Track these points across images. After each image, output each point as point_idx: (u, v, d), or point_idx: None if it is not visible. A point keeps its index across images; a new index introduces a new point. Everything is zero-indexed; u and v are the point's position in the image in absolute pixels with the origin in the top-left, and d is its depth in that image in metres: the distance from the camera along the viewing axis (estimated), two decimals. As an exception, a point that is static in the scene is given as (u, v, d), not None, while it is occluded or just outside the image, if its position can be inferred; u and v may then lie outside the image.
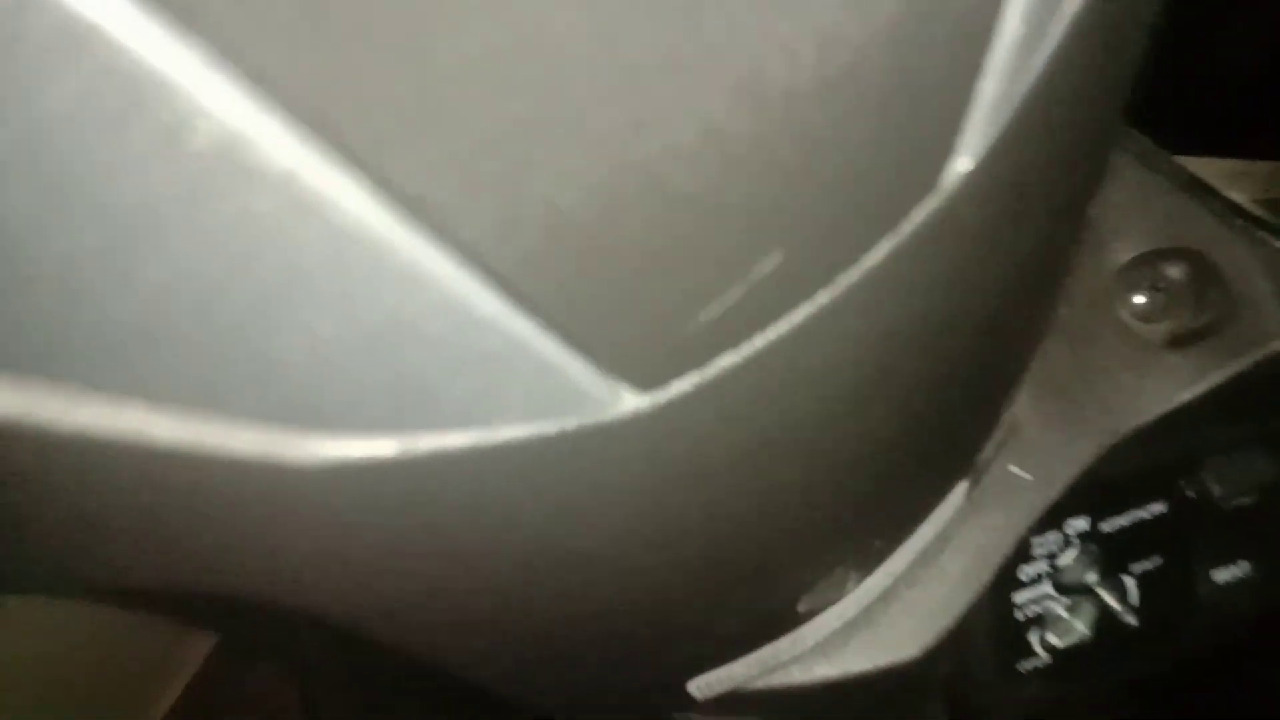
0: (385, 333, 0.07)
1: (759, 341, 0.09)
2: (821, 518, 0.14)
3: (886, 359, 0.12)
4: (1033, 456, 0.22)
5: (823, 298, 0.09)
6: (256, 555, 0.10)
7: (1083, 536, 0.25)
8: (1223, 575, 0.27)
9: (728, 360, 0.09)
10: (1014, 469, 0.23)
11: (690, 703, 0.21)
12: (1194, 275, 0.23)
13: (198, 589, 0.10)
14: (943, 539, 0.22)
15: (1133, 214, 0.24)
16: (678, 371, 0.09)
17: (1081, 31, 0.09)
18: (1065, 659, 0.27)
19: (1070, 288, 0.24)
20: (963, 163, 0.09)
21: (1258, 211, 0.24)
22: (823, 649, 0.22)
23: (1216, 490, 0.25)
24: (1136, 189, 0.24)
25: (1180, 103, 0.28)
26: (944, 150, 0.09)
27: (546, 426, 0.09)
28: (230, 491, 0.08)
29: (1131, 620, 0.27)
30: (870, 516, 0.16)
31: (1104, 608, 0.26)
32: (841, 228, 0.09)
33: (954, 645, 0.24)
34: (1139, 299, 0.24)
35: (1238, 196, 0.24)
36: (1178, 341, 0.23)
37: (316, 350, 0.07)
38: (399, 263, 0.07)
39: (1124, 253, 0.24)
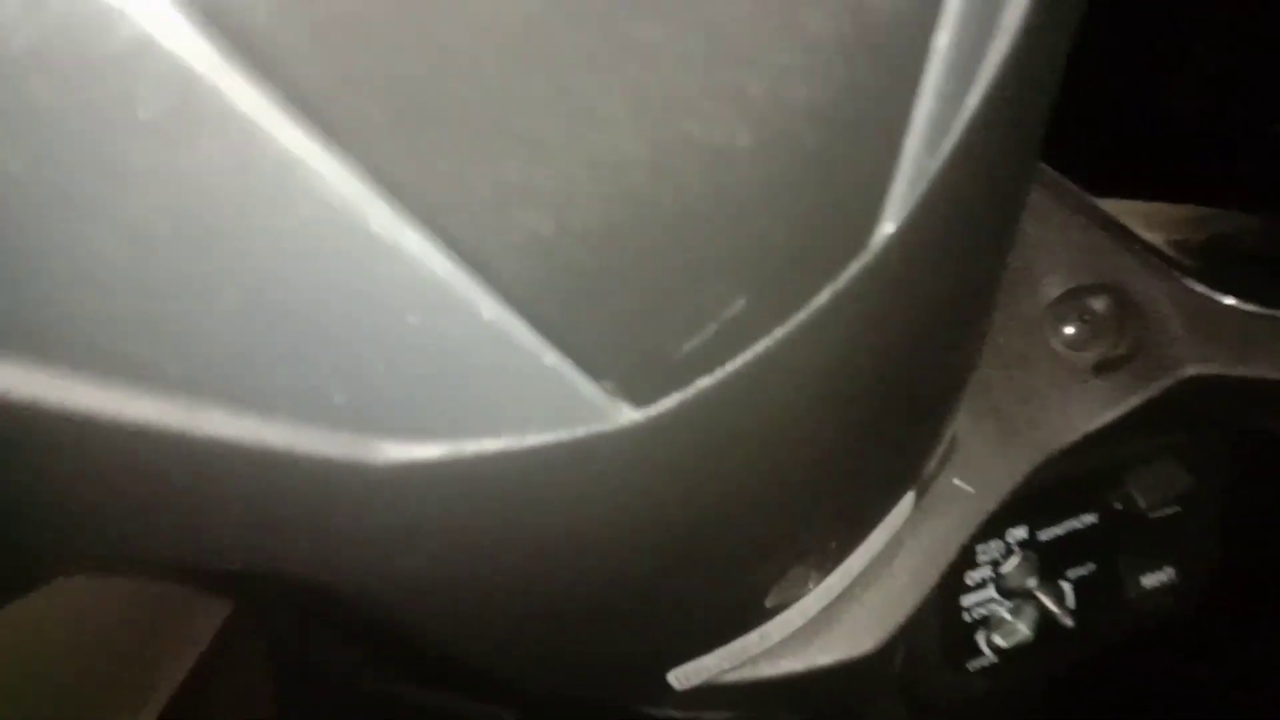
0: (441, 357, 0.09)
1: (729, 368, 0.12)
2: (787, 518, 0.17)
3: (836, 384, 0.14)
4: (973, 470, 0.25)
5: (778, 333, 0.12)
6: (326, 542, 0.12)
7: (1023, 544, 0.28)
8: (1149, 579, 0.30)
9: (704, 382, 0.12)
10: (958, 481, 0.25)
11: (669, 693, 0.23)
12: (1116, 308, 0.26)
13: (272, 572, 0.13)
14: (895, 544, 0.25)
15: (1062, 253, 0.27)
16: (665, 391, 0.12)
17: (991, 106, 0.12)
18: (1009, 658, 0.29)
19: (1006, 320, 0.26)
20: (887, 226, 0.12)
21: (1169, 251, 0.26)
22: (788, 644, 0.24)
23: (1141, 501, 0.28)
24: (1066, 231, 0.27)
25: (1102, 149, 0.31)
26: (873, 215, 0.11)
27: (565, 434, 0.11)
28: (322, 487, 0.11)
29: (1069, 622, 0.29)
30: (829, 520, 0.19)
31: (1044, 610, 0.29)
32: (791, 278, 0.11)
33: (906, 642, 0.26)
34: (1069, 329, 0.27)
35: (1151, 237, 0.27)
36: (1102, 368, 0.26)
37: (390, 371, 0.09)
38: (455, 300, 0.09)
39: (1055, 287, 0.27)
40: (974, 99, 0.12)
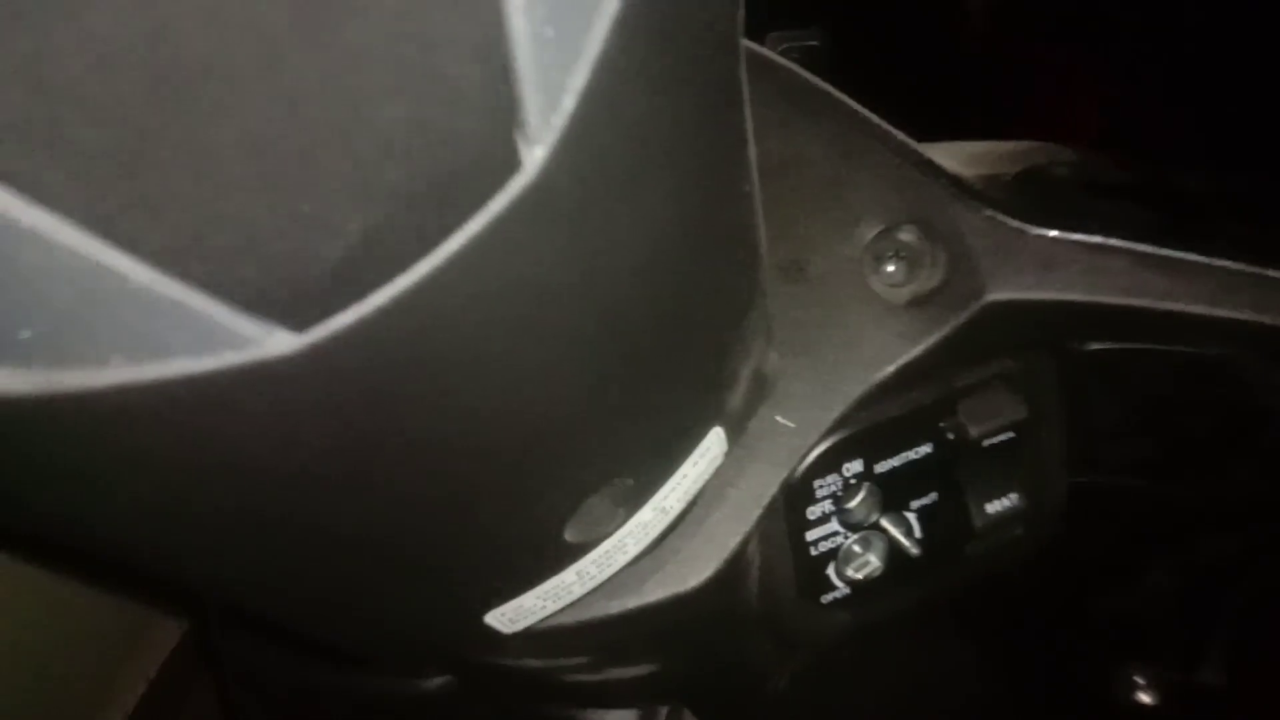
0: (22, 284, 0.10)
1: (388, 293, 0.12)
2: (532, 452, 0.17)
3: (532, 314, 0.15)
4: (793, 406, 0.26)
5: (434, 260, 0.12)
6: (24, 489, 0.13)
7: (860, 477, 0.29)
8: (994, 507, 0.31)
9: (366, 307, 0.12)
10: (779, 418, 0.26)
11: (503, 640, 0.24)
12: (926, 241, 0.27)
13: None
14: (721, 480, 0.26)
15: (877, 192, 0.27)
16: (324, 315, 0.12)
17: (626, 35, 0.13)
18: (862, 589, 0.30)
19: (825, 262, 0.27)
20: (537, 151, 0.12)
21: (978, 185, 0.27)
22: (620, 583, 0.25)
23: (973, 430, 0.29)
24: (879, 170, 0.28)
25: (926, 94, 0.32)
26: (506, 140, 0.12)
27: (203, 364, 0.12)
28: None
29: (916, 551, 0.30)
30: (603, 454, 0.19)
31: (891, 541, 0.30)
32: (420, 204, 0.12)
33: (738, 575, 0.27)
34: (889, 268, 0.28)
35: (968, 173, 0.28)
36: (916, 301, 0.27)
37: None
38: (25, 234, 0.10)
39: (872, 227, 0.27)
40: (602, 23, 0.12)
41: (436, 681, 0.35)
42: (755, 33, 0.42)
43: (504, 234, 0.13)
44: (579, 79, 0.12)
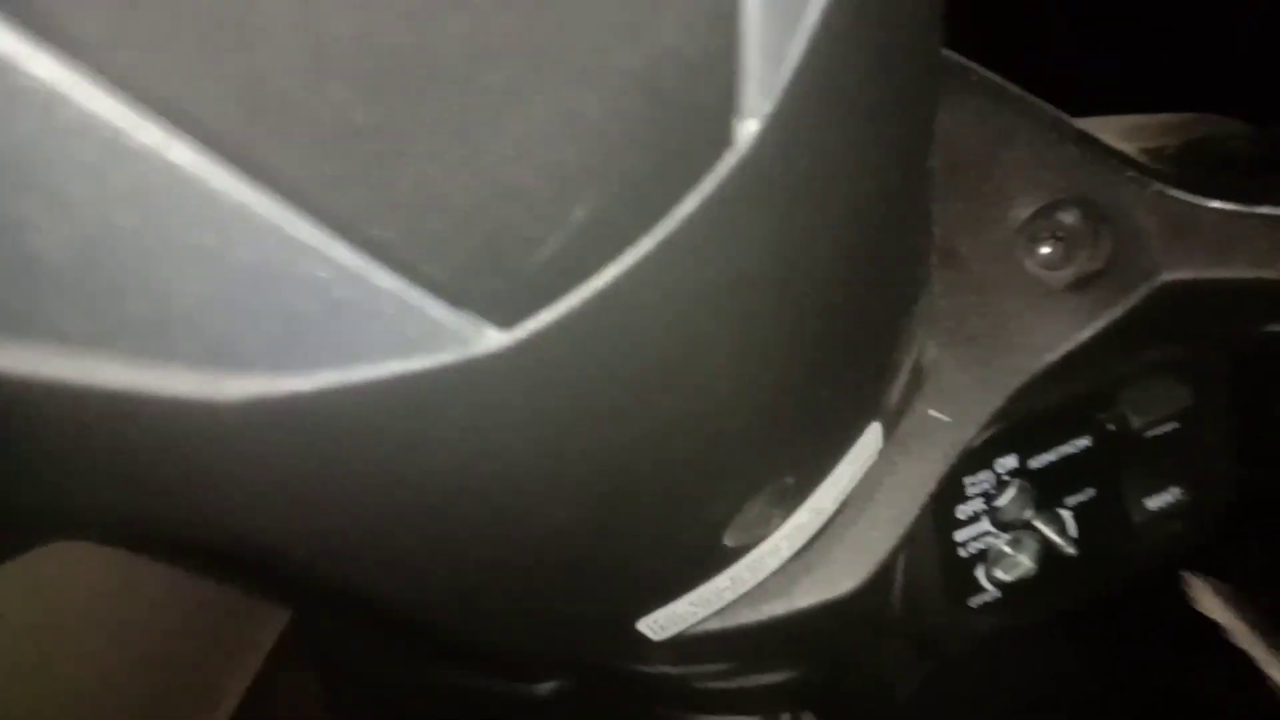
0: (264, 287, 0.09)
1: (597, 282, 0.12)
2: (715, 448, 0.16)
3: (733, 301, 0.14)
4: (948, 400, 0.24)
5: (646, 245, 0.12)
6: (206, 493, 0.12)
7: (1013, 474, 0.27)
8: (1155, 502, 0.29)
9: (574, 298, 0.12)
10: (932, 412, 0.25)
11: (650, 647, 0.23)
12: (1088, 222, 0.25)
13: (165, 530, 0.13)
14: (872, 481, 0.24)
15: (1032, 171, 0.26)
16: (531, 310, 0.11)
17: (839, 8, 0.11)
18: (1012, 592, 0.29)
19: (978, 245, 0.26)
20: (750, 125, 0.11)
21: (1142, 159, 0.25)
22: (767, 588, 0.24)
23: (1135, 421, 0.27)
24: (1034, 148, 0.26)
25: (1080, 67, 0.30)
26: (724, 116, 0.11)
27: (419, 363, 0.11)
28: (173, 429, 0.11)
29: (1072, 551, 0.28)
30: (772, 452, 0.18)
31: (1045, 541, 0.28)
32: (642, 185, 0.11)
33: (905, 582, 0.26)
34: (1044, 249, 0.26)
35: (1128, 147, 0.26)
36: (1078, 285, 0.25)
37: (214, 301, 0.09)
38: (268, 228, 0.09)
39: (1026, 207, 0.26)
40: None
41: (548, 686, 0.35)
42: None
43: (713, 212, 0.12)
44: (795, 52, 0.11)
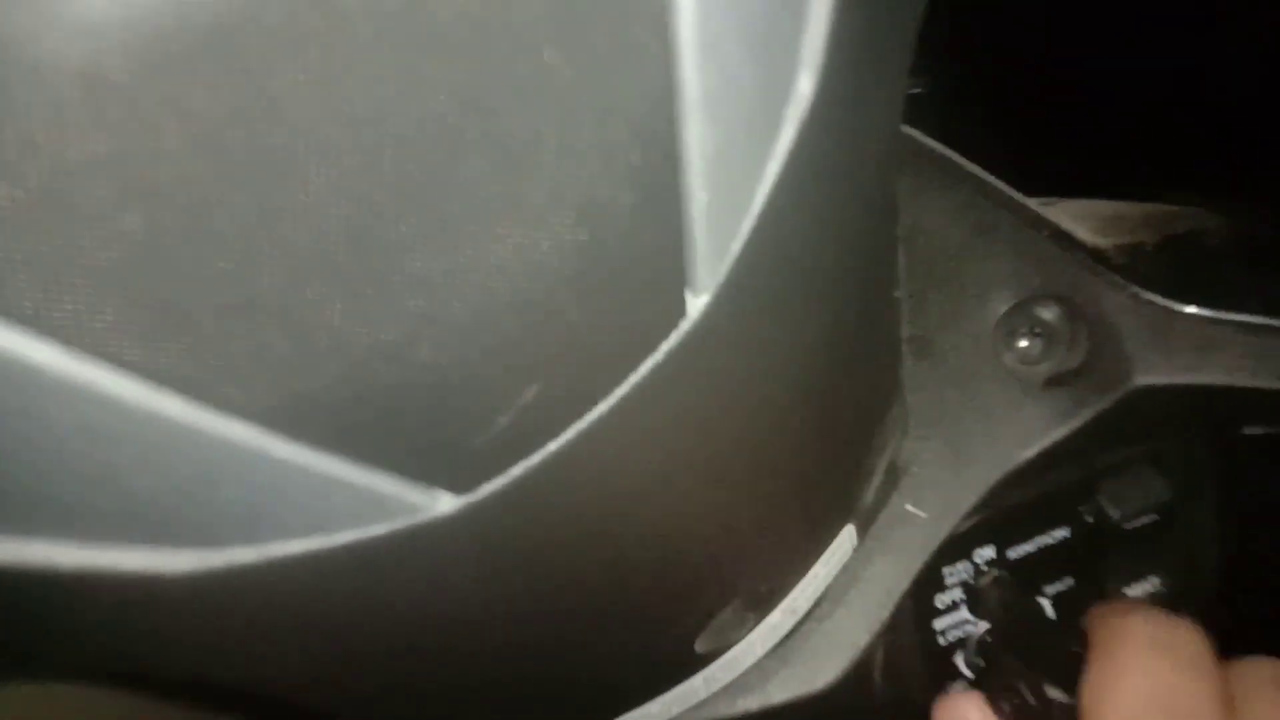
0: (207, 476, 0.10)
1: (551, 449, 0.12)
2: (677, 574, 0.16)
3: (690, 447, 0.14)
4: (925, 494, 0.25)
5: (599, 410, 0.12)
6: (167, 648, 0.12)
7: (991, 564, 0.27)
8: (1135, 591, 0.29)
9: (528, 464, 0.12)
10: (909, 507, 0.25)
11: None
12: (1066, 319, 0.25)
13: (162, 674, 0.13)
14: (848, 575, 0.24)
15: (1010, 266, 0.26)
16: (484, 477, 0.12)
17: (790, 183, 0.12)
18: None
19: (956, 338, 0.26)
20: (702, 299, 0.12)
21: (1120, 256, 0.26)
22: (744, 683, 0.24)
23: (1114, 513, 0.27)
24: (1012, 243, 0.26)
25: (1054, 148, 0.31)
26: (674, 294, 0.11)
27: (376, 529, 0.11)
28: (143, 598, 0.11)
29: (1051, 639, 0.28)
30: (740, 567, 0.18)
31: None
32: (590, 365, 0.11)
33: (866, 672, 0.26)
34: (1022, 343, 0.26)
35: (1107, 240, 0.27)
36: (1054, 381, 0.25)
37: (164, 495, 0.10)
38: (197, 431, 0.09)
39: (1004, 302, 0.26)
40: (774, 163, 0.12)
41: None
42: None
43: (664, 378, 0.12)
44: (743, 230, 0.12)
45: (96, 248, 0.08)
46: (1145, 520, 0.28)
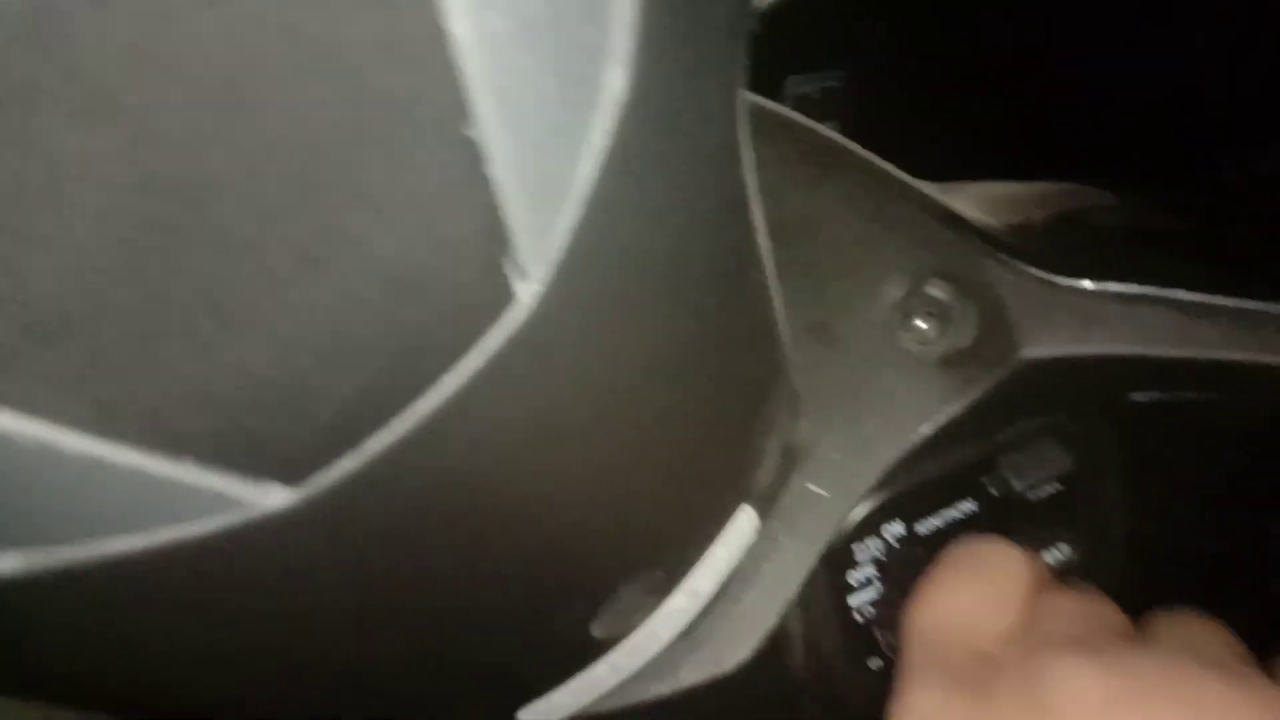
0: (16, 479, 0.10)
1: (386, 436, 0.12)
2: (554, 560, 0.17)
3: (547, 432, 0.14)
4: (826, 474, 0.25)
5: (433, 399, 0.12)
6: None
7: (901, 540, 0.28)
8: (1048, 558, 0.30)
9: (366, 452, 0.12)
10: (812, 487, 0.25)
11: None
12: (958, 298, 0.26)
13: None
14: (755, 555, 0.25)
15: (903, 249, 0.27)
16: (318, 465, 0.12)
17: (612, 175, 0.12)
18: (911, 652, 0.29)
19: (853, 321, 0.27)
20: (534, 286, 0.12)
21: (1009, 235, 0.26)
22: (655, 668, 0.24)
23: (1017, 484, 0.28)
24: (904, 226, 0.27)
25: (956, 130, 0.31)
26: (502, 282, 0.12)
27: (205, 524, 0.11)
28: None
29: (966, 610, 0.29)
30: (619, 554, 0.19)
31: (939, 601, 0.29)
32: (414, 353, 0.12)
33: (779, 652, 0.26)
34: (918, 324, 0.27)
35: (998, 219, 0.27)
36: (948, 360, 0.26)
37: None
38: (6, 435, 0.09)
39: (899, 286, 0.27)
40: (590, 155, 0.12)
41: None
42: (774, 77, 0.41)
43: (502, 370, 0.13)
44: (570, 214, 0.12)
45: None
46: (1048, 490, 0.29)
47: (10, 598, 0.11)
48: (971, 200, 0.28)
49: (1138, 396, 0.27)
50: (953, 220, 0.26)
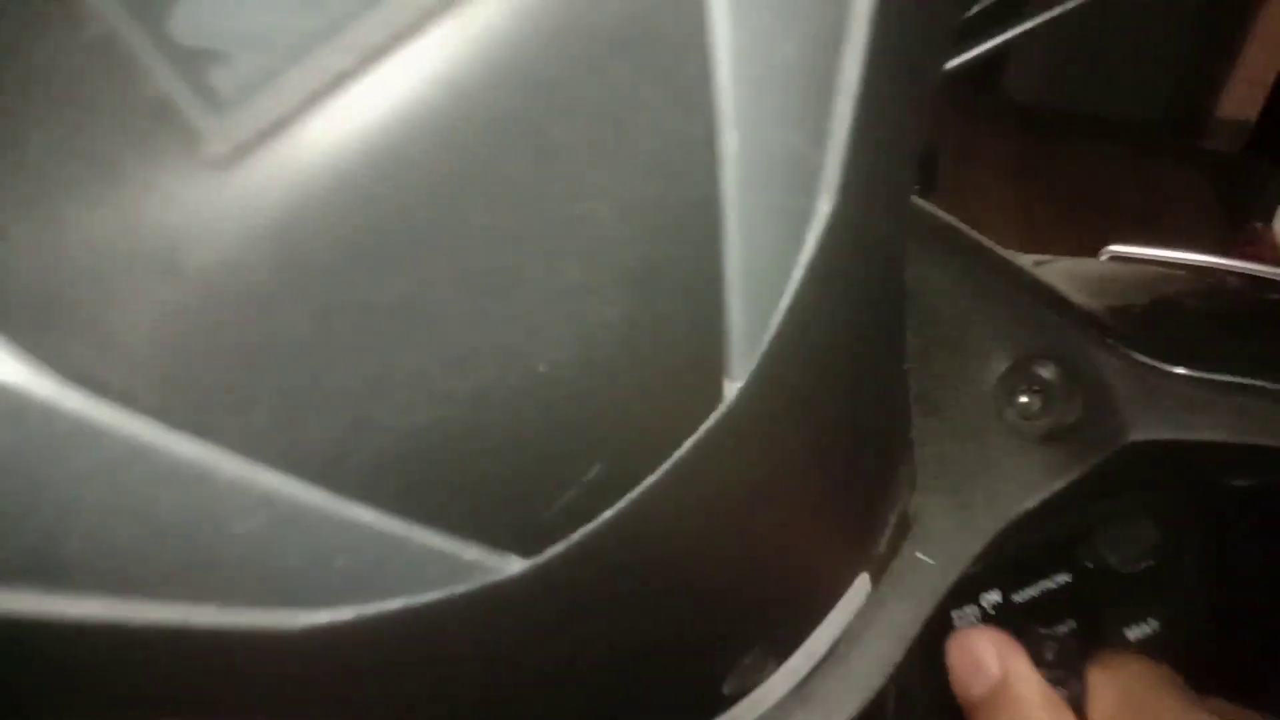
0: (313, 548, 0.11)
1: (606, 516, 0.14)
2: (714, 626, 0.18)
3: (727, 514, 0.16)
4: (933, 543, 0.26)
5: (647, 483, 0.14)
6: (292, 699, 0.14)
7: (997, 607, 0.29)
8: (1134, 633, 0.30)
9: (587, 529, 0.14)
10: (919, 555, 0.26)
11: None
12: (1064, 378, 0.27)
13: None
14: (863, 619, 0.26)
15: (1009, 326, 0.28)
16: (550, 541, 0.13)
17: (812, 287, 0.14)
18: (999, 717, 0.30)
19: (959, 394, 0.28)
20: (736, 384, 0.14)
21: (1111, 319, 0.28)
22: (765, 722, 0.25)
23: (1111, 559, 0.29)
24: (1010, 305, 0.28)
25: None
26: (714, 377, 0.13)
27: (459, 588, 0.13)
28: (265, 651, 0.13)
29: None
30: (766, 617, 0.20)
31: (1029, 669, 0.30)
32: (643, 442, 0.13)
33: (880, 712, 0.27)
34: (1022, 399, 0.28)
35: (1095, 303, 0.28)
36: (1053, 436, 0.27)
37: (285, 565, 0.11)
38: (308, 511, 0.11)
39: (1003, 361, 0.28)
40: (798, 271, 0.13)
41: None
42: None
43: (704, 455, 0.14)
44: (773, 327, 0.14)
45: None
46: (1141, 565, 0.29)
47: (289, 652, 0.12)
48: (1067, 277, 0.29)
49: (1235, 482, 0.27)
50: (1058, 302, 0.27)
